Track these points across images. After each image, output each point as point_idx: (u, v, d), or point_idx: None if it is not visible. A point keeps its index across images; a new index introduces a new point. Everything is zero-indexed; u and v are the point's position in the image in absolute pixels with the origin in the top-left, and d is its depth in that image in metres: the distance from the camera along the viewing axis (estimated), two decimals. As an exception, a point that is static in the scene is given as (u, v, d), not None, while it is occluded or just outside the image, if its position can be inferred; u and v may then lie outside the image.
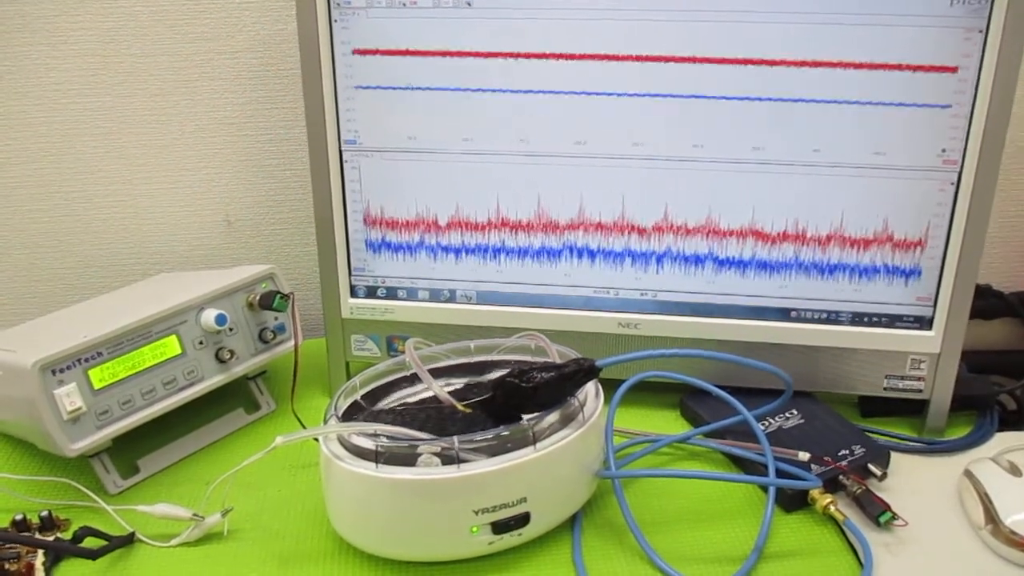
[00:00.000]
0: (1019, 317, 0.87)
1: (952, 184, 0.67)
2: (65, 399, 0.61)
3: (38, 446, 0.67)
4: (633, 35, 0.67)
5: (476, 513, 0.56)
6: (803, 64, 0.65)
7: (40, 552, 0.59)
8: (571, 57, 0.68)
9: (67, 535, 0.61)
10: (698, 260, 0.72)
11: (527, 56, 0.68)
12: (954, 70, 0.64)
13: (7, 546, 0.59)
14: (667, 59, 0.67)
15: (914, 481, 0.67)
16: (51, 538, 0.61)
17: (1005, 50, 0.62)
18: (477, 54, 0.69)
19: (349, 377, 0.69)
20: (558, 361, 0.62)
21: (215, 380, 0.71)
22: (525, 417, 0.59)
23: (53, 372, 0.61)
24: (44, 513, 0.62)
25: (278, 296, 0.72)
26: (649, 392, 0.76)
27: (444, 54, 0.69)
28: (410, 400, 0.66)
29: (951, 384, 0.71)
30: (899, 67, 0.64)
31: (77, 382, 0.62)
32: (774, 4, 0.64)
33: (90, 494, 0.65)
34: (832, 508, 0.61)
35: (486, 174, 0.72)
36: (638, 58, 0.67)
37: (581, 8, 0.66)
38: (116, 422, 0.65)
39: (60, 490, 0.67)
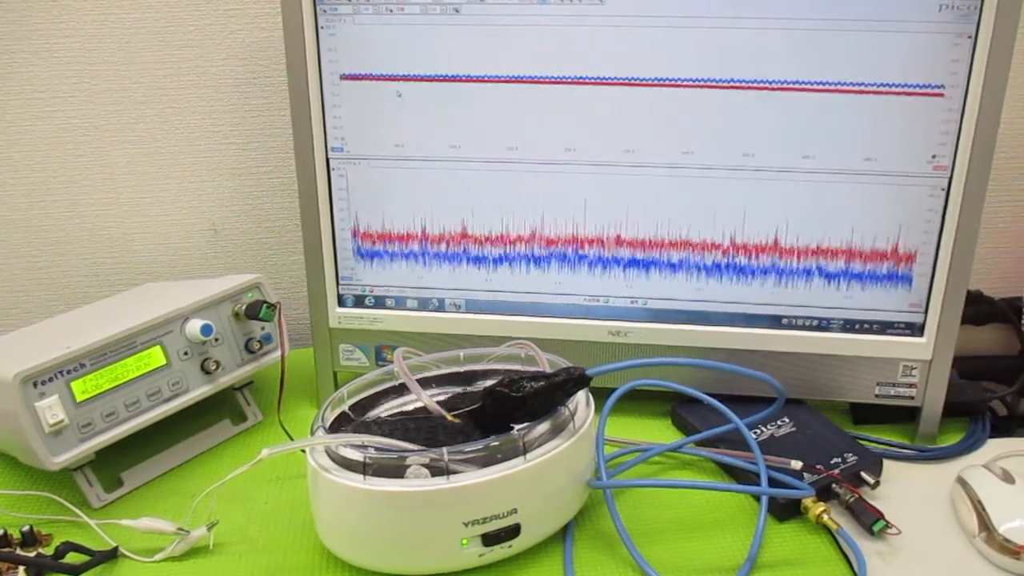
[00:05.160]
0: (1010, 323, 0.87)
1: (942, 190, 0.67)
2: (47, 412, 0.60)
3: (19, 459, 0.66)
4: (622, 42, 0.66)
5: (466, 525, 0.55)
6: (793, 70, 0.65)
7: (21, 568, 0.58)
8: (559, 64, 0.68)
9: (49, 550, 0.60)
10: (689, 267, 0.72)
11: (515, 63, 0.68)
12: (943, 76, 0.64)
13: (-13, 562, 0.58)
14: (657, 66, 0.67)
15: (907, 489, 0.66)
16: (33, 554, 0.60)
17: (994, 56, 0.62)
18: (464, 61, 0.68)
19: (337, 387, 0.68)
20: (548, 370, 0.62)
21: (201, 391, 0.70)
22: (515, 427, 0.58)
23: (35, 384, 0.60)
24: (25, 528, 0.61)
25: (265, 306, 0.72)
26: (640, 401, 0.75)
27: (431, 61, 0.69)
28: (399, 410, 0.66)
29: (943, 390, 0.71)
30: (889, 73, 0.64)
31: (59, 394, 0.61)
32: (763, 11, 0.64)
33: (73, 508, 0.64)
34: (825, 517, 0.61)
35: (475, 182, 0.72)
36: (627, 65, 0.67)
37: (568, 15, 0.66)
38: (99, 435, 0.64)
39: (42, 504, 0.66)
